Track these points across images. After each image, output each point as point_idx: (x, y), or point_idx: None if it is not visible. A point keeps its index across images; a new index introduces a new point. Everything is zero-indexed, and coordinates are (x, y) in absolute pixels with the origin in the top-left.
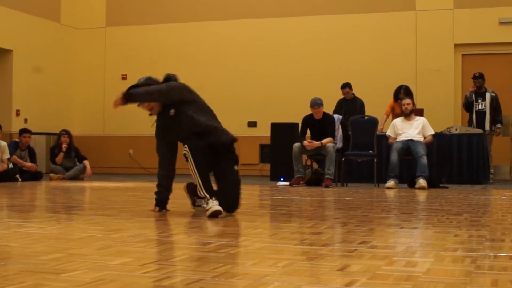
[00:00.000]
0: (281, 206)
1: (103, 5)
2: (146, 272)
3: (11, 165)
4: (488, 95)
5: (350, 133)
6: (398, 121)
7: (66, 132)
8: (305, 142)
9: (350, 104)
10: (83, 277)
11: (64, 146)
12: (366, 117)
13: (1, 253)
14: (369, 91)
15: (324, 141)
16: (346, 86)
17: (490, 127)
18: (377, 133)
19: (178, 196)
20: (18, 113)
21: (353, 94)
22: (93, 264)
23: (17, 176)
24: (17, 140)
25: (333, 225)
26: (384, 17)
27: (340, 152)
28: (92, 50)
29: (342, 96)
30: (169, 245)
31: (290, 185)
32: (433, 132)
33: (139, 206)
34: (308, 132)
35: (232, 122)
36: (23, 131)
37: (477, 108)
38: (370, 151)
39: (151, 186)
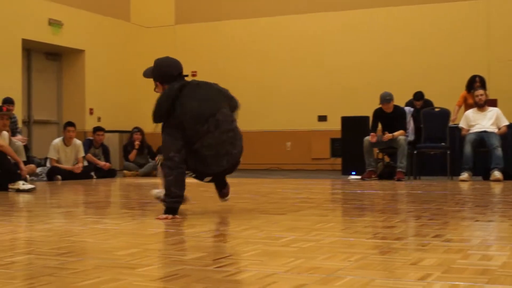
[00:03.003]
0: (353, 200)
1: (172, 3)
2: (219, 267)
3: (86, 163)
4: None
5: (421, 125)
6: (471, 112)
7: (138, 130)
8: (373, 137)
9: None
10: (157, 272)
11: (137, 143)
12: (437, 109)
13: (78, 248)
14: (440, 82)
15: (396, 133)
16: (420, 98)
17: None
18: (450, 124)
19: (245, 191)
20: (91, 111)
21: (423, 101)
22: (167, 259)
23: (92, 173)
24: (91, 138)
25: (406, 219)
26: (455, 6)
27: (412, 145)
28: (162, 48)
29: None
30: (241, 239)
31: (361, 179)
32: (507, 123)
33: (211, 201)
34: (379, 125)
35: (302, 117)
36: (97, 129)
37: None
38: (443, 143)
39: None
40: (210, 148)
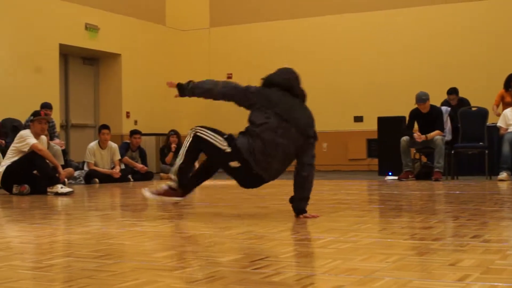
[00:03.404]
0: (390, 200)
1: (207, 6)
2: (256, 269)
3: (123, 166)
4: None
5: (459, 125)
6: (509, 111)
7: (174, 132)
8: (415, 135)
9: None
10: (195, 274)
11: (173, 146)
12: (475, 108)
13: (116, 251)
14: (477, 81)
15: (430, 134)
16: (452, 92)
17: None
18: (487, 123)
19: (281, 193)
20: (128, 115)
21: (458, 99)
22: (204, 261)
23: (129, 176)
24: (128, 141)
25: (444, 219)
26: (493, 4)
27: (449, 145)
28: (197, 50)
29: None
30: (278, 241)
31: (398, 179)
32: None
33: (248, 203)
34: (416, 125)
35: (338, 117)
36: (134, 132)
37: None
38: (481, 143)
39: None
40: (270, 145)
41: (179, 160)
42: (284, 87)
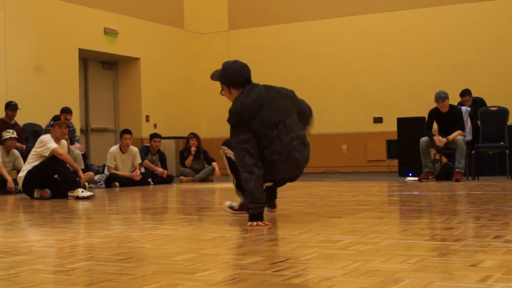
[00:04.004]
0: (410, 201)
1: (225, 9)
2: (277, 271)
3: (143, 169)
4: None
5: (479, 124)
6: None
7: (194, 135)
8: (435, 138)
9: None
10: (215, 277)
11: (193, 149)
12: (495, 108)
13: (137, 254)
14: (496, 80)
15: (450, 136)
16: (466, 93)
17: None
18: (508, 123)
19: (302, 194)
20: (147, 119)
21: (472, 99)
22: (225, 264)
23: (149, 179)
24: (148, 145)
25: (465, 220)
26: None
27: (469, 145)
28: (216, 53)
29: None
30: (299, 243)
31: (419, 180)
32: None
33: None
34: (435, 125)
35: (357, 119)
36: (154, 136)
37: None
38: (501, 143)
39: None
40: (279, 153)
41: (232, 180)
42: (244, 84)
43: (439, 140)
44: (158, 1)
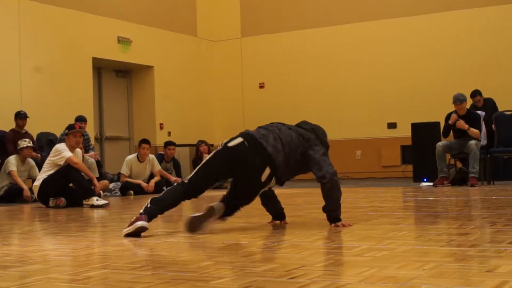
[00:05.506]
0: (425, 207)
1: (238, 16)
2: (292, 278)
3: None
4: None
5: (494, 129)
6: None
7: (203, 141)
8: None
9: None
10: (231, 284)
11: (205, 155)
12: (510, 112)
13: (152, 262)
14: (509, 83)
15: (471, 129)
16: (476, 94)
17: None
18: None
19: (316, 201)
20: (161, 126)
21: (484, 100)
22: (240, 271)
23: (164, 187)
24: (162, 153)
25: (481, 225)
26: None
27: (484, 149)
28: (229, 61)
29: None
30: (314, 250)
31: (434, 185)
32: None
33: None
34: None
35: (372, 124)
36: (168, 144)
37: None
38: None
39: (293, 192)
40: None
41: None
42: None
43: (456, 118)
44: (171, 9)
